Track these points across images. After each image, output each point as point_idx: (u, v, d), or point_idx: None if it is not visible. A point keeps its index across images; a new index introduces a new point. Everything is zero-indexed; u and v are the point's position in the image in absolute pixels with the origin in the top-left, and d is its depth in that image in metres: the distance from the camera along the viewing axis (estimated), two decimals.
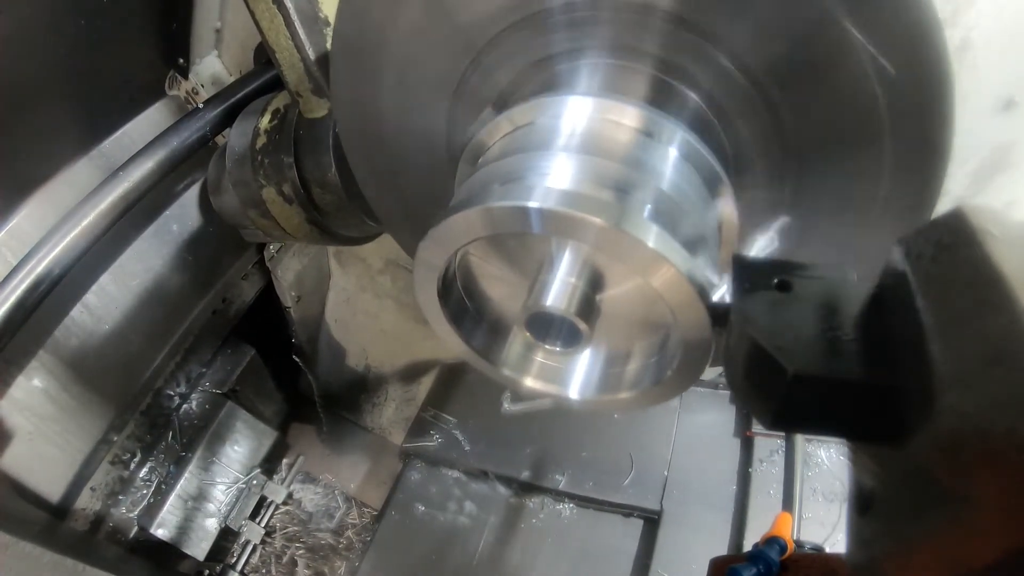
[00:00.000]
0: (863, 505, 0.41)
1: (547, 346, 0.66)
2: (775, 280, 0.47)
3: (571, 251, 0.60)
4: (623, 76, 0.64)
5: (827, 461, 1.91)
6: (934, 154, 0.59)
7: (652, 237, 0.51)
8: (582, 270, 0.59)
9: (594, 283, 0.60)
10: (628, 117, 0.61)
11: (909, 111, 0.57)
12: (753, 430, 1.98)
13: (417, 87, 0.72)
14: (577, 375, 0.71)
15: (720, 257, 0.64)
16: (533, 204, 0.53)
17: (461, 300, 0.71)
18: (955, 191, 0.69)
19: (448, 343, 0.71)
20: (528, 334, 0.64)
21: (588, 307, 0.59)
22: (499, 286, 0.71)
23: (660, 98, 0.63)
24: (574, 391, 0.70)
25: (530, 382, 0.72)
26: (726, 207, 0.64)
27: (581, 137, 0.60)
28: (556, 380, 0.71)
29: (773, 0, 0.55)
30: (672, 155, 0.61)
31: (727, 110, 0.62)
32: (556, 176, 0.57)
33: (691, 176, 0.61)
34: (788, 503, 1.55)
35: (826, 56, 0.56)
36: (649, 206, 0.56)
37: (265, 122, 1.20)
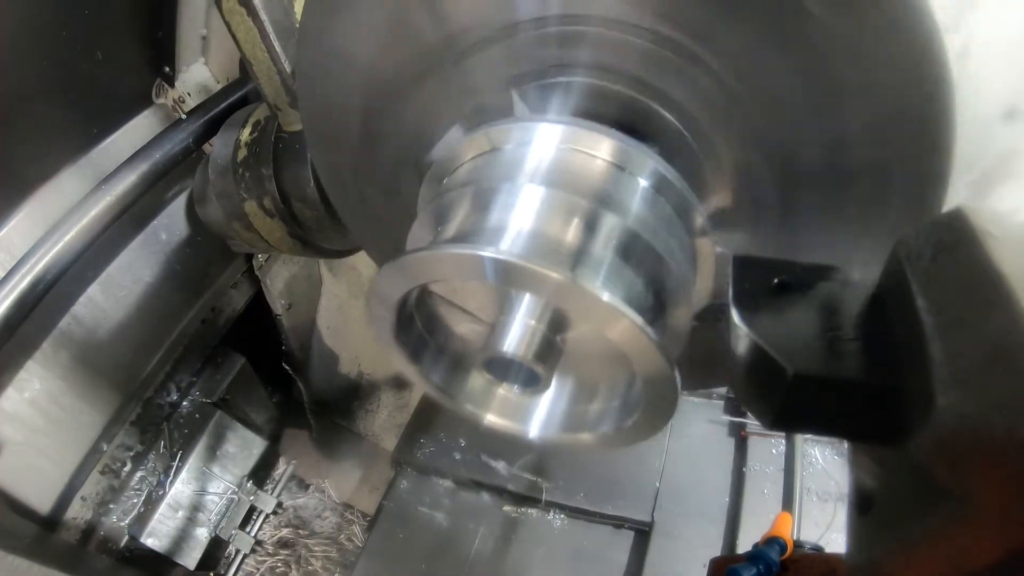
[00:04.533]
0: (863, 505, 0.41)
1: (505, 387, 0.64)
2: (775, 280, 0.47)
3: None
4: (599, 96, 0.62)
5: (821, 460, 1.91)
6: (933, 183, 0.58)
7: (608, 292, 0.50)
8: (543, 312, 0.56)
9: (555, 324, 0.57)
10: (599, 148, 0.58)
11: (907, 139, 0.56)
12: (747, 430, 1.98)
13: (384, 104, 0.69)
14: (540, 412, 0.68)
15: (698, 288, 0.63)
16: (488, 253, 0.50)
17: (421, 334, 0.68)
18: (957, 201, 0.69)
19: (408, 377, 0.69)
20: (487, 375, 0.62)
21: (547, 351, 0.56)
22: (461, 319, 0.67)
23: (636, 119, 0.61)
24: (535, 429, 0.68)
25: (491, 418, 0.69)
26: (702, 237, 0.62)
27: (548, 169, 0.58)
28: (518, 417, 0.69)
29: (756, 23, 0.54)
30: (643, 187, 0.59)
31: (706, 133, 0.60)
32: (518, 216, 0.54)
33: (662, 209, 0.59)
34: (788, 503, 1.55)
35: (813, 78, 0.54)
36: (611, 255, 0.54)
37: (246, 135, 1.19)
